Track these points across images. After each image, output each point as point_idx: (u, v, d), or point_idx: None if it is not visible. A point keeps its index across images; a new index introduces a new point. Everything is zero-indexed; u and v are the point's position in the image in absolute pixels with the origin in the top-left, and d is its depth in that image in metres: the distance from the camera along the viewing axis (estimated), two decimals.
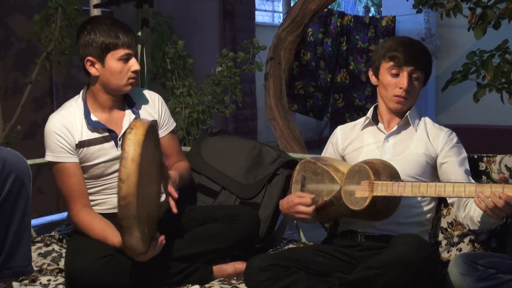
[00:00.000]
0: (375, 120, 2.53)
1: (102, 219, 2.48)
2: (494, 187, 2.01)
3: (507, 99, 3.13)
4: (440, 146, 2.42)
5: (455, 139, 2.44)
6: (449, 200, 2.41)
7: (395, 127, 2.47)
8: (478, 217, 2.24)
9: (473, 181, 2.35)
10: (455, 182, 2.08)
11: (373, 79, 2.51)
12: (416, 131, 2.46)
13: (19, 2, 4.61)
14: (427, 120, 2.51)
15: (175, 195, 2.36)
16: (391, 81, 2.41)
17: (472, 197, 2.07)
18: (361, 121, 2.58)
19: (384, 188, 2.17)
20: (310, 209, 2.35)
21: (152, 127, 2.23)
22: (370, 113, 2.55)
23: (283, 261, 2.26)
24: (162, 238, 2.30)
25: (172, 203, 2.37)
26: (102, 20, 2.50)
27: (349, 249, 2.37)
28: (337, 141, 2.60)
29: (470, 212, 2.29)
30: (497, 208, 2.01)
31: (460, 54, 6.36)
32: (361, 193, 2.22)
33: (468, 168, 2.41)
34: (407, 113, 2.46)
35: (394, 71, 2.40)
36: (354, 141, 2.54)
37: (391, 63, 2.40)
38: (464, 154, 2.43)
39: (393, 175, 2.22)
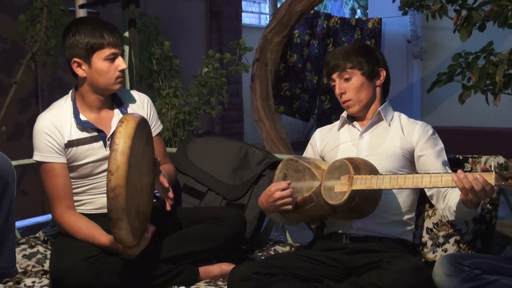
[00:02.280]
0: (350, 119, 2.56)
1: (86, 219, 2.47)
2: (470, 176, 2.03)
3: (492, 100, 3.15)
4: (415, 139, 2.44)
5: (430, 131, 2.47)
6: (428, 193, 2.42)
7: (368, 124, 2.50)
8: (454, 206, 2.25)
9: (450, 171, 2.37)
10: (432, 173, 2.11)
11: None
12: (389, 125, 2.48)
13: (4, 2, 4.57)
14: (402, 115, 2.55)
15: (166, 184, 2.36)
16: (335, 91, 2.52)
17: (449, 187, 2.09)
18: (338, 122, 2.62)
19: (363, 182, 2.19)
20: (288, 191, 2.37)
21: (144, 122, 2.23)
22: (345, 113, 2.59)
23: (266, 268, 2.24)
24: (152, 228, 2.31)
25: (170, 196, 2.38)
26: (86, 21, 2.51)
27: (334, 252, 2.36)
28: (316, 142, 2.64)
29: (449, 202, 2.31)
30: (473, 191, 2.02)
31: (446, 56, 6.40)
32: (340, 188, 2.23)
33: (446, 159, 2.44)
34: (379, 109, 2.49)
35: (332, 83, 2.53)
36: (332, 141, 2.58)
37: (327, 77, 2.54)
38: (441, 145, 2.45)
39: (373, 171, 2.24)
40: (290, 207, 2.38)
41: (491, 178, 2.00)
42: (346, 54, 2.49)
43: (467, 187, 2.03)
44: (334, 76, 2.50)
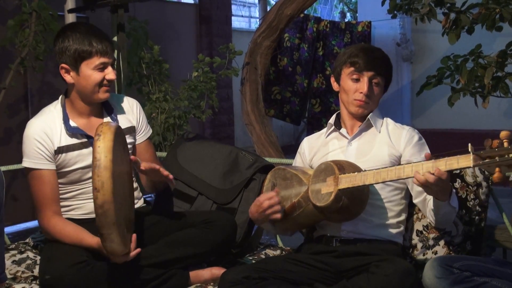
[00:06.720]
0: (337, 126, 2.56)
1: (73, 224, 2.47)
2: (448, 161, 2.04)
3: (481, 103, 3.16)
4: (402, 145, 2.45)
5: (417, 136, 2.48)
6: (415, 200, 2.43)
7: (357, 131, 2.50)
8: (432, 205, 2.28)
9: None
10: (413, 163, 2.11)
11: (334, 85, 2.56)
12: (379, 132, 2.49)
13: None
14: (389, 121, 2.55)
15: (166, 173, 2.48)
16: (352, 86, 2.45)
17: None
18: (325, 129, 2.61)
19: (348, 180, 2.20)
20: (276, 199, 2.37)
21: (119, 129, 2.23)
22: (332, 119, 2.59)
23: (257, 272, 2.24)
24: (134, 236, 2.31)
25: (166, 174, 2.49)
26: (77, 27, 2.48)
27: (325, 256, 2.36)
28: (305, 151, 2.64)
29: (429, 206, 2.32)
30: (428, 182, 2.04)
31: (435, 59, 6.43)
32: (327, 189, 2.24)
33: None
34: (368, 116, 2.48)
35: (354, 76, 2.44)
36: (320, 149, 2.57)
37: (352, 69, 2.44)
38: (427, 150, 2.45)
39: (357, 170, 2.25)
40: (279, 215, 2.39)
41: (469, 160, 1.99)
42: (387, 61, 2.49)
43: (428, 181, 2.05)
44: (367, 74, 2.42)
